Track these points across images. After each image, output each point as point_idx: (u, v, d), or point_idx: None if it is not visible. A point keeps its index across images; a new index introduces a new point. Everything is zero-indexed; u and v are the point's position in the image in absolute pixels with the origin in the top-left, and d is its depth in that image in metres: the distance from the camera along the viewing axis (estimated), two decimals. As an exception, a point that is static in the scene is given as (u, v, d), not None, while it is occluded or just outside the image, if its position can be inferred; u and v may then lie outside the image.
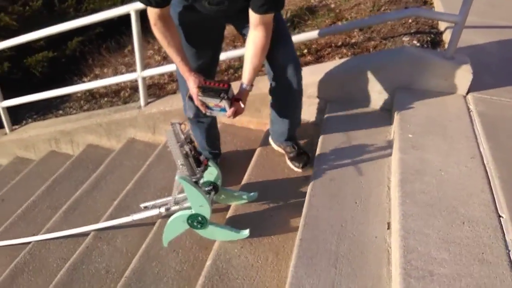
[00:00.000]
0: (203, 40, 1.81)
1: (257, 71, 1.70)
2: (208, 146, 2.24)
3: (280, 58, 1.81)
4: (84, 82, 3.81)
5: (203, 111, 1.73)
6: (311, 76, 2.31)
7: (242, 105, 1.70)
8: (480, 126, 1.84)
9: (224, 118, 1.90)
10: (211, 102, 1.67)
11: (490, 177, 1.56)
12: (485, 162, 1.64)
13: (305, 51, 2.81)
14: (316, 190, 1.72)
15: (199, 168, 1.65)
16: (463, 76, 2.05)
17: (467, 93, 2.10)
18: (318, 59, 2.73)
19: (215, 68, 2.03)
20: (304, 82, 1.90)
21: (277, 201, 1.89)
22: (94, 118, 3.02)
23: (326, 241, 1.45)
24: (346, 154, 1.91)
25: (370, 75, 2.19)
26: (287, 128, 2.06)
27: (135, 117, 2.81)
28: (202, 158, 1.69)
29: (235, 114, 1.70)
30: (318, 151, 1.96)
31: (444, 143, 1.76)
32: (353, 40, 2.78)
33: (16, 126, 3.52)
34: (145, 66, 2.76)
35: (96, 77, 3.88)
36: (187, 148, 1.59)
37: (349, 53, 2.65)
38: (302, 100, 2.00)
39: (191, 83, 1.67)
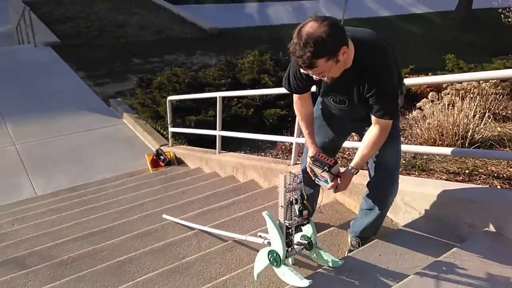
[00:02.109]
0: (330, 129, 2.24)
1: (365, 160, 2.00)
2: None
3: (379, 172, 2.10)
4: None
5: (312, 177, 2.08)
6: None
7: (341, 183, 1.97)
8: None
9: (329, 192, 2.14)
10: (318, 171, 2.01)
11: None
12: None
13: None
14: None
15: (296, 218, 1.95)
16: None
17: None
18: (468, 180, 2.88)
19: (334, 154, 2.40)
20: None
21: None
22: (261, 162, 3.93)
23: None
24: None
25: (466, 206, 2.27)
26: (364, 225, 2.28)
27: (283, 170, 3.55)
28: (305, 213, 1.96)
29: (336, 189, 1.99)
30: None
31: None
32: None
33: (223, 151, 4.80)
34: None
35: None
36: (292, 196, 1.91)
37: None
38: (387, 208, 2.22)
39: (310, 152, 2.10)
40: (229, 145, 5.08)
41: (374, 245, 2.28)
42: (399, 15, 16.21)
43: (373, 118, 1.86)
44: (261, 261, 2.10)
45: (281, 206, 1.95)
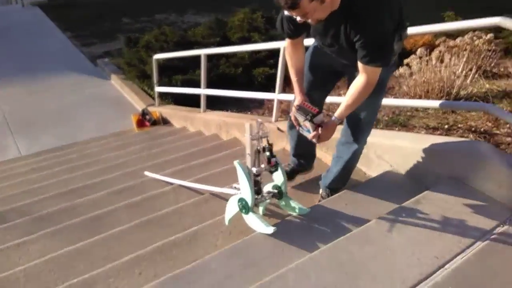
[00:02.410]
0: (321, 75, 2.16)
1: (350, 110, 1.89)
2: (296, 154, 2.53)
3: (353, 118, 2.04)
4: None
5: (296, 127, 2.04)
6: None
7: (323, 133, 1.89)
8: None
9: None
10: (301, 119, 1.95)
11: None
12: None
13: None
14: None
15: (263, 165, 1.98)
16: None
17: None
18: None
19: (321, 104, 2.30)
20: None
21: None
22: (243, 119, 3.88)
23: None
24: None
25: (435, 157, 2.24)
26: (332, 178, 2.31)
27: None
28: (273, 160, 1.99)
29: (319, 139, 1.92)
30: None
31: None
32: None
33: (208, 110, 4.74)
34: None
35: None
36: (259, 144, 1.92)
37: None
38: (354, 158, 2.21)
39: (296, 100, 2.03)
40: (216, 104, 5.01)
41: (342, 195, 2.29)
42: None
43: (359, 65, 1.74)
44: (232, 207, 2.14)
45: (248, 154, 1.95)
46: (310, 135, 1.93)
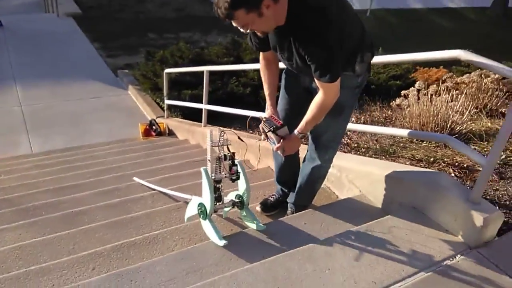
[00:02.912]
0: (296, 97, 2.18)
1: (310, 125, 1.93)
2: (278, 180, 2.55)
3: (317, 134, 2.11)
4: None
5: (264, 138, 2.06)
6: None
7: (286, 145, 1.95)
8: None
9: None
10: (266, 131, 1.99)
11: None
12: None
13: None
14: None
15: (224, 173, 2.03)
16: (477, 229, 1.87)
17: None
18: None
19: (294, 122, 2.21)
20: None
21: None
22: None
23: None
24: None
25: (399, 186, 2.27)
26: (295, 194, 2.39)
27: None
28: (234, 169, 2.04)
29: (284, 152, 1.98)
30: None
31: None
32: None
33: (208, 125, 4.87)
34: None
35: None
36: (220, 151, 1.98)
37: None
38: (321, 184, 2.32)
39: (266, 113, 2.10)
40: (221, 120, 5.12)
41: (304, 214, 2.32)
42: (432, 8, 15.66)
43: (316, 81, 1.79)
44: (192, 208, 2.22)
45: (208, 160, 2.02)
46: (274, 146, 1.99)
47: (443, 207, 2.01)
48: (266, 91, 2.14)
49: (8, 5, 12.39)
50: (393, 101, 4.41)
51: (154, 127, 5.55)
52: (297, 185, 2.35)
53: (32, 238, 2.46)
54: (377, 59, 2.24)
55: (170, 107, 5.90)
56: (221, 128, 2.01)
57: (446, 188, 2.03)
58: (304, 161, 2.31)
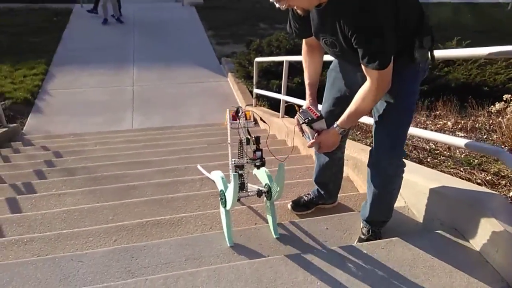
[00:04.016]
0: (344, 82, 1.95)
1: (353, 118, 1.72)
2: (316, 180, 2.35)
3: (376, 136, 1.85)
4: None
5: (300, 132, 1.90)
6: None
7: (322, 141, 1.76)
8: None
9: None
10: (301, 123, 1.81)
11: None
12: None
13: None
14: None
15: (248, 158, 1.87)
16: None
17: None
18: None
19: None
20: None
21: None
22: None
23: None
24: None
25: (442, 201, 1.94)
26: (368, 208, 1.97)
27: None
28: (257, 154, 1.86)
29: (320, 148, 1.81)
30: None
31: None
32: None
33: (286, 116, 4.77)
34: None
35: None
36: (242, 134, 1.85)
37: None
38: (396, 194, 1.93)
39: (304, 104, 1.93)
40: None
41: (330, 218, 2.14)
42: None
43: (363, 68, 1.57)
44: (217, 179, 2.18)
45: (228, 143, 1.95)
46: (309, 142, 1.80)
47: (486, 234, 1.65)
48: (306, 80, 1.96)
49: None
50: (493, 106, 3.77)
51: (239, 114, 5.64)
52: (368, 199, 1.97)
53: (85, 204, 2.71)
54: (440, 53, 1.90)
55: (258, 96, 5.94)
56: (241, 106, 1.88)
57: (493, 212, 1.65)
58: (368, 168, 1.92)
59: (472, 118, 4.65)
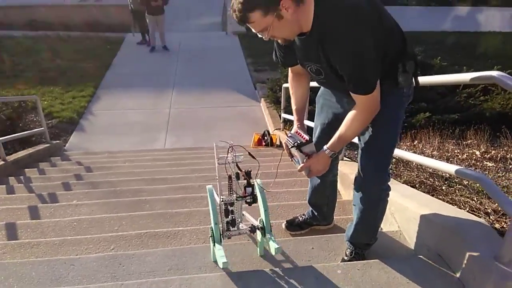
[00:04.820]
0: (331, 109, 1.97)
1: (342, 142, 1.70)
2: (310, 202, 2.38)
3: (361, 161, 1.85)
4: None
5: (289, 157, 1.87)
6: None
7: (312, 165, 1.73)
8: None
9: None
10: (290, 148, 1.77)
11: None
12: None
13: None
14: None
15: (237, 196, 1.78)
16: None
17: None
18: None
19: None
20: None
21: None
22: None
23: None
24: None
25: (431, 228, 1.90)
26: (352, 230, 1.98)
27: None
28: (248, 190, 1.81)
29: (310, 173, 1.76)
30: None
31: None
32: None
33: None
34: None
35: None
36: (230, 169, 1.76)
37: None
38: (380, 217, 1.91)
39: (292, 129, 1.90)
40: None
41: (318, 239, 2.13)
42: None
43: (351, 94, 1.59)
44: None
45: (216, 179, 1.81)
46: (298, 166, 1.77)
47: (465, 261, 1.59)
48: (293, 106, 1.96)
49: (194, 23, 14.42)
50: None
51: (265, 137, 5.74)
52: (354, 220, 1.97)
53: (97, 214, 2.87)
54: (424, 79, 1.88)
55: (285, 120, 6.01)
56: (231, 142, 1.84)
57: (472, 239, 1.60)
58: (354, 190, 1.94)
59: (505, 148, 4.43)
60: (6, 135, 4.60)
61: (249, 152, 2.00)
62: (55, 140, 6.09)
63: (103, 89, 8.49)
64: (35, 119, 6.48)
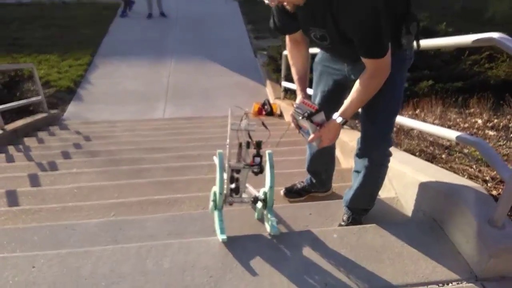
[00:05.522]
0: (331, 76, 1.93)
1: (354, 108, 1.65)
2: (308, 169, 2.37)
3: (363, 125, 1.84)
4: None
5: (297, 129, 1.81)
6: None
7: (323, 134, 1.67)
8: None
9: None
10: (299, 120, 1.71)
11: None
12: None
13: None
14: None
15: (245, 164, 1.76)
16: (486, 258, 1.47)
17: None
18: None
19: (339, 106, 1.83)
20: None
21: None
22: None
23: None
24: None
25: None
26: (351, 195, 1.98)
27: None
28: (256, 160, 1.77)
29: (321, 143, 1.71)
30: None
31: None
32: None
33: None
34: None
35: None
36: (241, 137, 1.73)
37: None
38: (380, 183, 1.91)
39: (297, 100, 1.82)
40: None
41: (315, 205, 2.17)
42: None
43: (362, 59, 1.53)
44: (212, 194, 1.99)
45: (226, 144, 1.78)
46: (309, 138, 1.71)
47: (458, 225, 1.61)
48: (295, 76, 1.87)
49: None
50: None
51: (265, 107, 5.71)
52: (353, 186, 1.96)
53: (98, 182, 2.89)
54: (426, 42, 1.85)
55: (286, 89, 5.96)
56: (246, 109, 1.80)
57: (466, 203, 1.61)
58: (356, 157, 1.91)
59: (508, 117, 4.40)
60: (4, 104, 4.58)
61: (262, 122, 1.99)
62: (53, 110, 6.06)
63: (100, 57, 8.37)
64: (32, 88, 6.41)
